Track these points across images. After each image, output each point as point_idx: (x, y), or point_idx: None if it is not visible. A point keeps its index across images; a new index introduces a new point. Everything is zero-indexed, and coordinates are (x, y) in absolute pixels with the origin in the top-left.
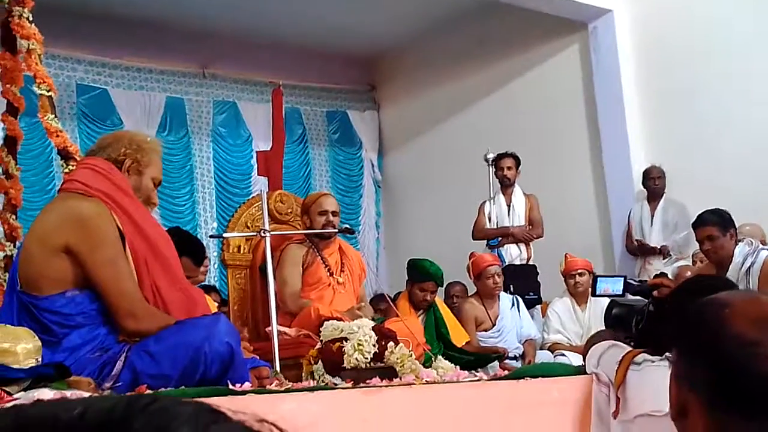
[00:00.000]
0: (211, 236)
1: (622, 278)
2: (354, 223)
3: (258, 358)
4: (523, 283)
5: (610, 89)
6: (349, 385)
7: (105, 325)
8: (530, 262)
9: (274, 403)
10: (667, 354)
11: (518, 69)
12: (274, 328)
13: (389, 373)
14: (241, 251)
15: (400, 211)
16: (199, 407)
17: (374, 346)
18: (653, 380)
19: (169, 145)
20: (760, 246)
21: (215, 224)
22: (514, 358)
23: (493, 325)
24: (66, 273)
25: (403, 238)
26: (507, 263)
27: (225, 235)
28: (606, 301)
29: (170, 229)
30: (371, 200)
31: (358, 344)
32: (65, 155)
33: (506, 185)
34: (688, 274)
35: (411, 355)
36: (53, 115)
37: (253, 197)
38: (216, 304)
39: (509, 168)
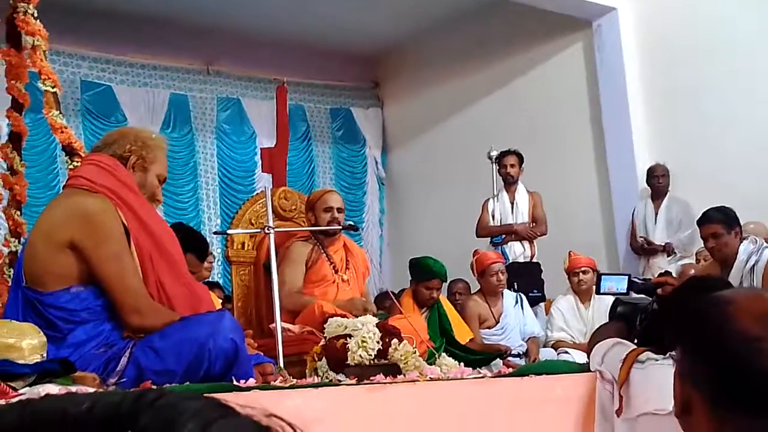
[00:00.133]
0: (215, 233)
1: (627, 276)
2: (357, 220)
3: (262, 354)
4: (527, 280)
5: (614, 87)
6: (353, 381)
7: (110, 321)
8: (534, 260)
9: (279, 400)
10: (671, 353)
11: (522, 67)
12: (278, 324)
13: (393, 370)
14: (245, 248)
15: (403, 209)
16: (207, 402)
17: (378, 343)
18: (657, 379)
19: (172, 142)
20: (765, 244)
21: (219, 221)
22: (518, 355)
23: (497, 322)
24: (71, 269)
25: (407, 235)
26: (510, 261)
27: (229, 231)
28: (610, 299)
29: (173, 224)
30: (375, 197)
31: (362, 341)
32: (70, 151)
33: (509, 183)
34: (692, 272)
35: (415, 352)
36: (58, 112)
37: (257, 194)
38: (220, 301)
39: (512, 165)
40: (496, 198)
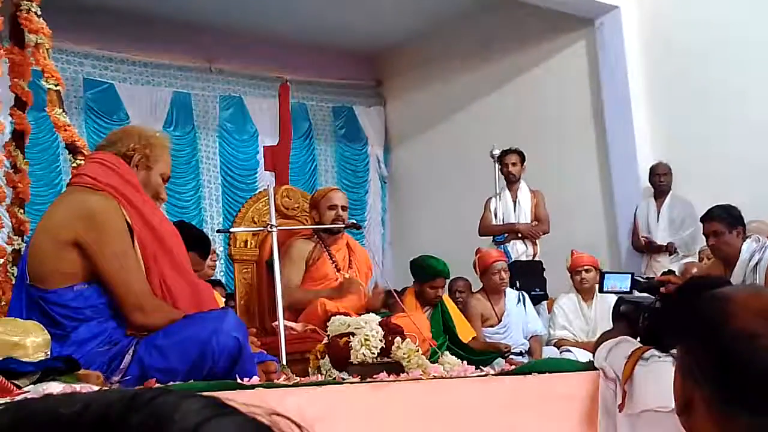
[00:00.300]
0: (218, 231)
1: (630, 275)
2: (360, 218)
3: (265, 352)
4: (529, 279)
5: (616, 85)
6: (357, 379)
7: (113, 319)
8: (536, 259)
9: (282, 398)
10: (672, 351)
11: (524, 65)
12: (281, 322)
13: (396, 368)
14: (248, 246)
15: (405, 207)
16: (206, 400)
17: (381, 341)
18: (660, 376)
19: (175, 140)
20: (767, 243)
21: (221, 219)
22: (520, 353)
23: (499, 321)
24: (75, 267)
25: (409, 233)
26: (513, 259)
27: (232, 229)
28: (612, 297)
29: (175, 223)
30: (377, 196)
31: (365, 339)
32: (73, 149)
33: (512, 181)
34: (695, 270)
35: (418, 350)
36: (61, 110)
37: (259, 192)
38: (223, 299)
39: (514, 164)
40: (498, 197)
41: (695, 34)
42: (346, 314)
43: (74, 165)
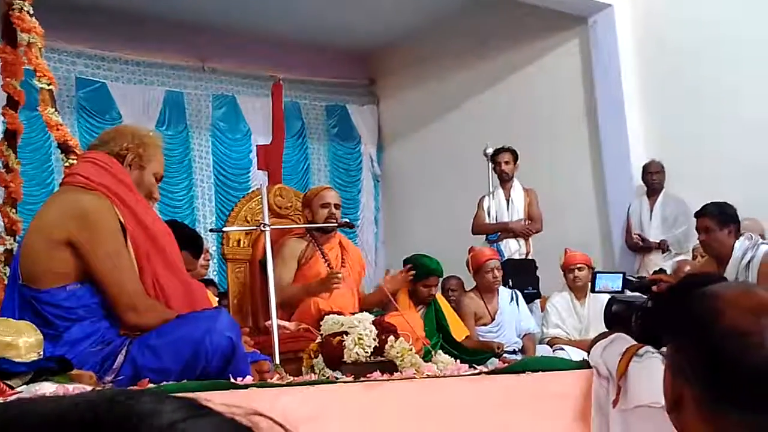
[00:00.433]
0: (211, 230)
1: (621, 275)
2: (353, 217)
3: (259, 352)
4: (522, 277)
5: (609, 84)
6: (350, 379)
7: (106, 319)
8: (529, 257)
9: (276, 397)
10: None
11: (517, 63)
12: (274, 322)
13: (389, 367)
14: (241, 245)
15: (399, 206)
16: (183, 401)
17: (375, 340)
18: (654, 372)
19: (167, 139)
20: (760, 240)
21: (213, 218)
22: (513, 352)
23: (492, 319)
24: (68, 266)
25: (402, 232)
26: (506, 258)
27: (225, 229)
28: (606, 295)
29: (167, 221)
30: (370, 195)
31: (359, 338)
32: (65, 149)
33: (505, 180)
34: (688, 268)
35: (411, 349)
36: (54, 109)
37: (252, 191)
38: (216, 299)
39: (507, 163)
40: (491, 195)
41: (688, 33)
42: (339, 313)
43: (66, 164)
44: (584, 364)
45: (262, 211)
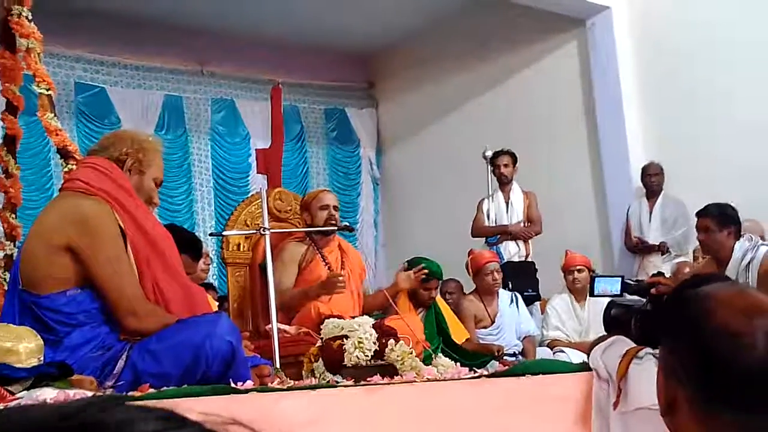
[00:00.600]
0: (211, 234)
1: (620, 278)
2: (352, 221)
3: (259, 356)
4: (522, 280)
5: (608, 86)
6: (350, 383)
7: (106, 324)
8: (529, 259)
9: (276, 402)
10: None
11: (516, 66)
12: (275, 326)
13: (390, 371)
14: (241, 249)
15: (398, 209)
16: (160, 413)
17: (375, 343)
18: (654, 374)
19: (167, 144)
20: (760, 241)
21: (213, 222)
22: (513, 354)
23: (492, 322)
24: (68, 271)
25: (402, 235)
26: (505, 260)
27: (225, 233)
28: (605, 299)
29: (166, 225)
30: (369, 198)
31: (359, 342)
32: (64, 154)
33: (504, 183)
34: (687, 270)
35: (411, 353)
36: (53, 114)
37: (251, 195)
38: (216, 303)
39: (506, 165)
40: (491, 198)
41: (686, 35)
42: (339, 317)
43: (66, 169)
44: (584, 367)
45: (261, 215)
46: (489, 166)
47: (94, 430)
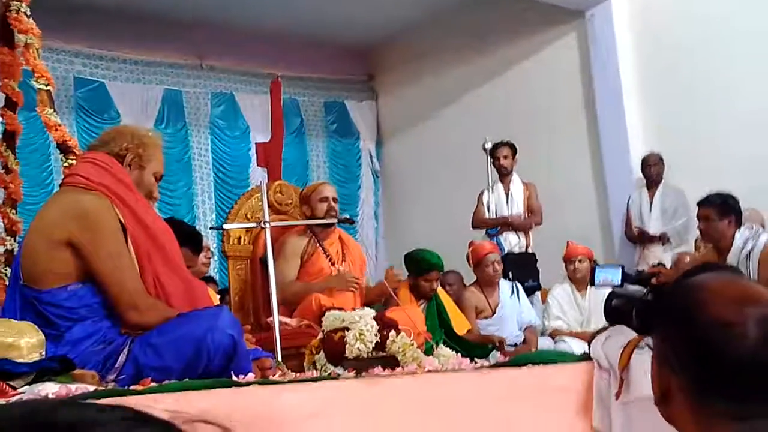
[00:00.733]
0: (212, 228)
1: (620, 268)
2: (352, 213)
3: (261, 349)
4: (522, 270)
5: (607, 77)
6: (352, 375)
7: (108, 318)
8: (529, 250)
9: (278, 394)
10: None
11: (515, 57)
12: (276, 318)
13: (391, 362)
14: (242, 242)
15: (398, 201)
16: (125, 412)
17: (376, 335)
18: None
19: (166, 138)
20: (761, 230)
21: (213, 216)
22: (515, 345)
23: (494, 313)
24: (69, 266)
25: (402, 227)
26: (506, 251)
27: (226, 226)
28: (606, 289)
29: (165, 219)
30: (369, 190)
31: (360, 334)
32: (64, 149)
33: (504, 174)
34: (687, 260)
35: (413, 344)
36: (52, 110)
37: (252, 188)
38: (218, 296)
39: (506, 157)
40: (491, 189)
41: (686, 26)
42: (340, 309)
43: (66, 164)
44: (585, 357)
45: (261, 208)
46: (489, 158)
47: (54, 430)
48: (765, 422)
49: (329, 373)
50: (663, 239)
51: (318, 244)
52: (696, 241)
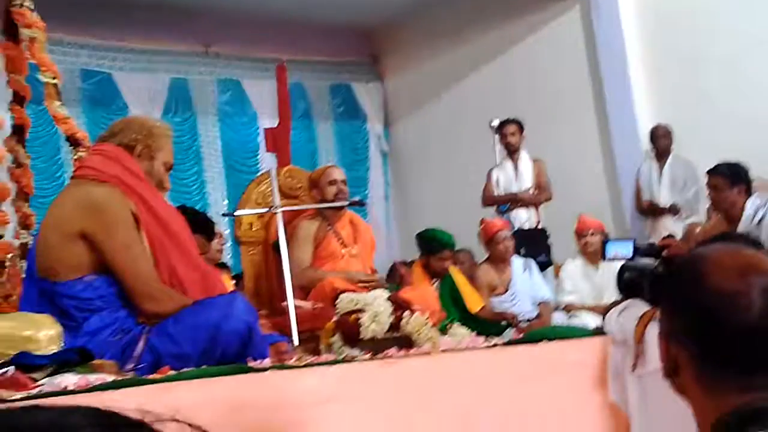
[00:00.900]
0: (223, 215)
1: (632, 241)
2: (362, 196)
3: (277, 333)
4: (534, 247)
5: (613, 49)
6: (367, 356)
7: (124, 308)
8: (539, 226)
9: (295, 378)
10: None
11: (521, 33)
12: (291, 303)
13: (406, 342)
14: (253, 228)
15: (408, 181)
16: (91, 414)
17: (390, 316)
18: None
19: (175, 127)
20: None
21: (225, 203)
22: (528, 321)
23: (506, 290)
24: (83, 258)
25: (413, 207)
26: (516, 228)
27: (237, 213)
28: (619, 262)
29: (176, 208)
30: (378, 172)
31: (374, 315)
32: (73, 142)
33: (512, 151)
34: (698, 230)
35: (427, 324)
36: (60, 102)
37: (262, 174)
38: (233, 282)
39: (513, 134)
40: (499, 167)
41: None
42: (354, 291)
43: (75, 157)
44: (599, 332)
45: (272, 194)
46: (496, 136)
47: None
48: None
49: (345, 356)
50: (673, 210)
51: (329, 227)
52: (708, 211)
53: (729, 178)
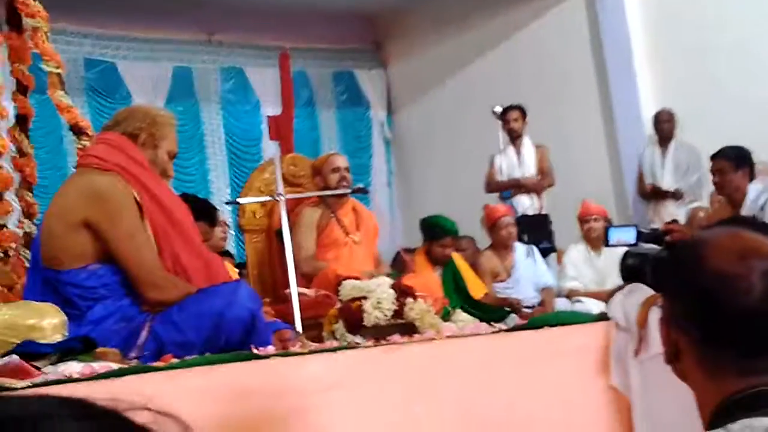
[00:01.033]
0: (227, 203)
1: (634, 227)
2: (365, 183)
3: (280, 321)
4: (536, 233)
5: (617, 34)
6: (371, 343)
7: (127, 297)
8: (542, 212)
9: (298, 366)
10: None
11: (524, 19)
12: (294, 290)
13: (409, 329)
14: (257, 216)
15: (411, 168)
16: (69, 403)
17: (393, 303)
18: None
19: (178, 115)
20: None
21: (228, 191)
22: (531, 307)
23: (509, 276)
24: (87, 247)
25: (416, 194)
26: (519, 214)
27: (240, 200)
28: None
29: (178, 196)
30: (381, 159)
31: (378, 302)
32: (77, 131)
33: (515, 137)
34: (702, 215)
35: (430, 310)
36: (63, 92)
37: (265, 162)
38: (237, 270)
39: (516, 120)
40: (502, 153)
41: None
42: (356, 278)
43: (79, 146)
44: (603, 317)
45: (275, 182)
46: (500, 122)
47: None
48: None
49: (348, 343)
50: (677, 195)
51: (332, 215)
52: (711, 196)
53: (734, 161)
